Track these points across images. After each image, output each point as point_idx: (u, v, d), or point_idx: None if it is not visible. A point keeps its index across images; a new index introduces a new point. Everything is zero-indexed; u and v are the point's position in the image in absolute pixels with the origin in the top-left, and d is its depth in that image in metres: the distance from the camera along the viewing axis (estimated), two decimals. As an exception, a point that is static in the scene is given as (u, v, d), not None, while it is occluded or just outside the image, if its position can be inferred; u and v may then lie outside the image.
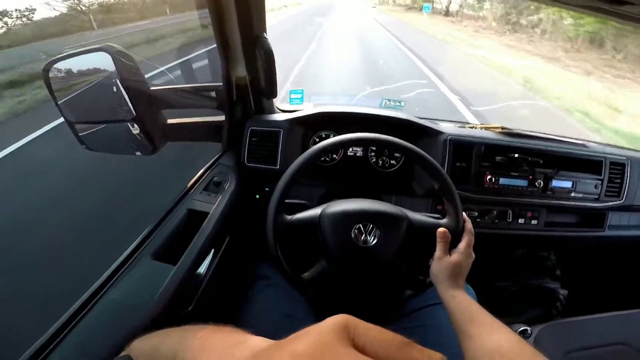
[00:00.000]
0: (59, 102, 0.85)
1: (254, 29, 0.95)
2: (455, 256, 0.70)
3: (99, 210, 2.07)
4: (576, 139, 1.22)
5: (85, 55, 0.84)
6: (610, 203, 1.17)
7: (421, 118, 1.17)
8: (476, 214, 1.13)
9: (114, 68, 0.80)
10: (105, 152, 1.13)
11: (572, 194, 1.14)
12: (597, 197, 1.15)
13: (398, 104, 1.36)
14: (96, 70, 0.87)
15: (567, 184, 1.13)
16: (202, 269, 0.84)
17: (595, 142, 1.26)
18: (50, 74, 0.83)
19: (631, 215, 1.25)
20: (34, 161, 2.70)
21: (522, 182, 1.11)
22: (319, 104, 1.30)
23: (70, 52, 0.82)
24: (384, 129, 1.12)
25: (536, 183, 1.10)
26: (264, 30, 0.99)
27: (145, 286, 0.66)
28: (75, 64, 0.86)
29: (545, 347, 0.94)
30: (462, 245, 0.71)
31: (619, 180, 1.16)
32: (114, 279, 0.67)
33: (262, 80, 1.03)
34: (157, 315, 0.62)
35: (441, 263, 0.70)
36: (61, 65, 0.84)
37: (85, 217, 2.03)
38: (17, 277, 1.63)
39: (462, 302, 0.64)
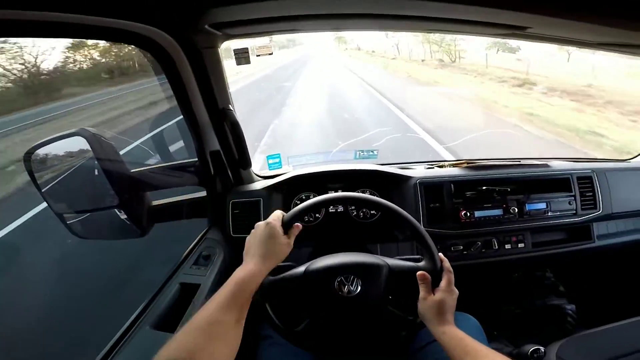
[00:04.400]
0: (42, 191, 0.89)
1: (218, 103, 1.02)
2: (438, 295, 0.72)
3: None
4: (538, 159, 1.28)
5: (61, 140, 0.88)
6: (590, 215, 1.20)
7: (391, 164, 1.23)
8: (461, 247, 1.16)
9: (91, 151, 0.85)
10: (96, 239, 1.17)
11: (549, 214, 1.17)
12: (574, 212, 1.19)
13: (371, 153, 1.43)
14: (74, 155, 0.91)
15: (542, 206, 1.17)
16: None
17: (557, 159, 1.32)
18: (32, 161, 0.86)
19: (616, 222, 1.28)
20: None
21: (497, 212, 1.14)
22: (297, 165, 1.37)
23: (46, 139, 0.87)
24: (358, 182, 1.19)
25: (511, 210, 1.14)
26: (229, 102, 1.05)
27: (148, 354, 0.70)
28: (53, 150, 0.90)
29: (570, 363, 0.91)
30: (443, 284, 0.74)
31: (590, 194, 1.20)
32: (117, 348, 0.72)
33: (235, 152, 1.08)
34: None
35: (426, 303, 0.73)
36: (40, 152, 0.87)
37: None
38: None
39: (453, 337, 0.66)
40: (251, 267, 0.67)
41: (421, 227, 0.78)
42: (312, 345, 0.81)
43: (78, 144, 0.87)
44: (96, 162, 0.88)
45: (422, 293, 0.74)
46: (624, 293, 1.47)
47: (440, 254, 0.78)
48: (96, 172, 0.90)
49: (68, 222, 0.98)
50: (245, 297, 0.63)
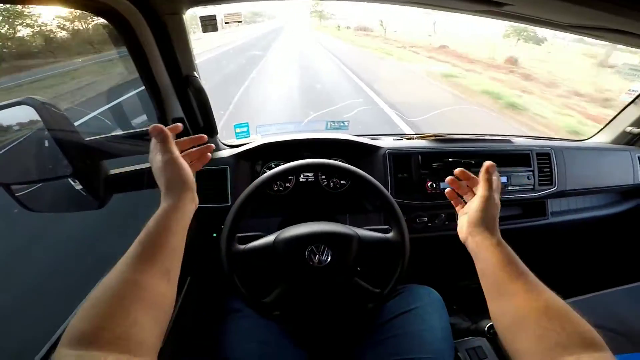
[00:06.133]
0: None
1: (182, 70, 0.97)
2: (486, 196, 0.63)
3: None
4: (501, 135, 1.33)
5: (6, 110, 0.79)
6: (546, 191, 1.26)
7: (361, 135, 1.23)
8: (426, 219, 1.19)
9: (40, 121, 0.78)
10: (49, 212, 1.09)
11: (509, 188, 1.22)
12: (532, 187, 1.25)
13: (342, 124, 1.43)
14: (22, 125, 0.84)
15: (503, 179, 1.21)
16: None
17: (519, 136, 1.38)
18: None
19: (569, 200, 1.37)
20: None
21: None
22: (266, 135, 1.34)
23: None
24: (329, 151, 1.18)
25: None
26: (193, 69, 1.01)
27: None
28: None
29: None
30: (488, 179, 0.64)
31: (548, 170, 1.26)
32: None
33: (200, 119, 1.04)
34: None
35: (477, 213, 0.63)
36: None
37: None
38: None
39: (506, 253, 0.57)
40: (161, 207, 0.57)
41: (391, 196, 0.79)
42: (280, 316, 0.81)
43: (25, 113, 0.79)
44: (47, 131, 0.81)
45: (458, 209, 0.70)
46: (574, 271, 1.57)
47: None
48: (47, 141, 0.83)
49: (17, 194, 0.90)
50: (162, 247, 0.51)
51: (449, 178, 0.71)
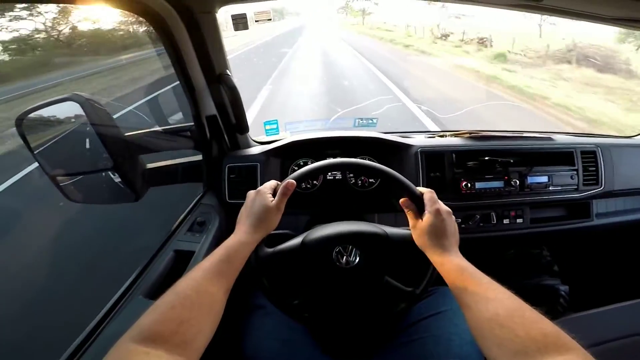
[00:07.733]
0: (35, 153, 0.87)
1: (215, 68, 0.99)
2: (425, 218, 0.68)
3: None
4: (542, 132, 1.26)
5: (54, 105, 0.85)
6: (591, 192, 1.19)
7: (392, 133, 1.21)
8: (460, 220, 1.14)
9: (85, 116, 0.83)
10: (88, 203, 1.15)
11: (550, 188, 1.15)
12: (575, 187, 1.17)
13: (371, 121, 1.40)
14: (68, 120, 0.90)
15: (543, 179, 1.15)
16: None
17: (561, 133, 1.30)
18: (24, 126, 0.84)
19: (616, 201, 1.27)
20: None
21: (498, 184, 1.13)
22: (295, 132, 1.34)
23: (37, 105, 0.85)
24: (358, 149, 1.17)
25: (512, 182, 1.12)
26: (226, 67, 1.02)
27: None
28: (46, 115, 0.88)
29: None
30: (426, 205, 0.69)
31: (593, 169, 1.18)
32: (109, 318, 0.72)
33: (232, 116, 1.06)
34: None
35: (416, 231, 0.69)
36: (33, 116, 0.85)
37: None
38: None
39: (451, 270, 0.60)
40: (241, 236, 0.66)
41: (395, 172, 0.74)
42: (309, 318, 0.80)
43: (71, 109, 0.84)
44: (90, 126, 0.85)
45: (410, 221, 0.72)
46: (617, 275, 1.47)
47: (421, 187, 0.74)
48: (90, 136, 0.87)
49: (61, 185, 0.95)
50: (234, 266, 0.60)
51: (402, 200, 0.73)
